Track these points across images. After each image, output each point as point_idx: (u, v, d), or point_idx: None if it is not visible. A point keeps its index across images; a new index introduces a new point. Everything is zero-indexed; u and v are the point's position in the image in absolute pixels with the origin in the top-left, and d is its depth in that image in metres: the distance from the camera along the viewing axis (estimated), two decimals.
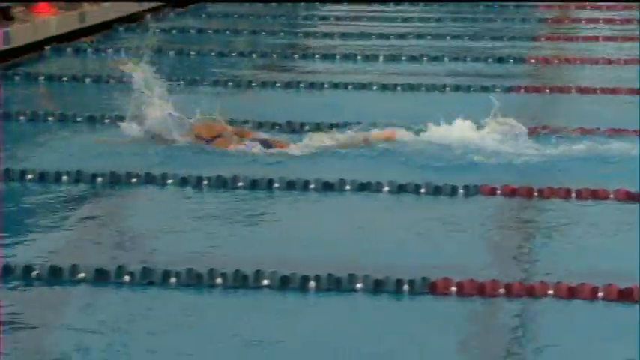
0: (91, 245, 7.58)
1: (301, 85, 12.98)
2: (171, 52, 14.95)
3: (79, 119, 10.94)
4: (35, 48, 14.50)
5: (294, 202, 8.61)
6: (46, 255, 7.16)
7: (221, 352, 5.83)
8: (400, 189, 8.76)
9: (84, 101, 11.86)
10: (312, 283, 6.66)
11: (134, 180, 8.84)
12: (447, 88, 12.90)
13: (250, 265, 6.79)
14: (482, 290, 6.57)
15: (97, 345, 5.88)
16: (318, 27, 18.03)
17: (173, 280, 6.71)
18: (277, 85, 13.01)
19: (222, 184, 8.79)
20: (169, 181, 8.81)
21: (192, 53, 15.02)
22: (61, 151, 9.95)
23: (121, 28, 16.68)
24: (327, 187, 8.74)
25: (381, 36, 16.77)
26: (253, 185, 8.77)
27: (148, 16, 17.24)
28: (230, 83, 13.09)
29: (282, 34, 17.34)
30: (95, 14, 16.34)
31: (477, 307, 6.48)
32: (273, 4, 20.06)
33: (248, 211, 8.42)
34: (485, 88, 12.69)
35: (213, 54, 15.03)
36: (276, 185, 8.76)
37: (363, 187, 8.78)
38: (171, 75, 13.26)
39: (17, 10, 14.76)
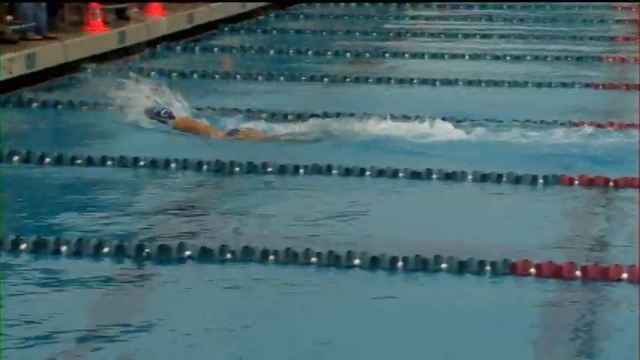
0: (195, 226, 7.65)
1: (392, 80, 12.98)
2: (272, 51, 15.03)
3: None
4: (148, 46, 14.65)
5: (384, 189, 8.61)
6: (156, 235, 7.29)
7: (314, 326, 5.87)
8: (484, 178, 8.74)
9: (191, 95, 11.92)
10: (400, 264, 6.68)
11: (237, 169, 8.90)
12: (529, 84, 12.84)
13: (343, 246, 6.82)
14: (559, 272, 6.53)
15: (204, 316, 5.97)
16: (408, 27, 17.99)
17: (272, 257, 6.77)
18: (370, 80, 13.03)
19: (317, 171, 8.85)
20: (269, 169, 8.86)
21: (290, 52, 15.07)
22: (171, 140, 10.03)
23: (225, 28, 16.80)
24: (415, 175, 8.74)
25: (466, 36, 16.74)
26: (347, 172, 8.81)
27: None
28: (325, 79, 13.12)
29: (374, 33, 17.34)
30: (202, 15, 16.45)
31: (554, 288, 6.44)
32: (366, 4, 20.09)
33: (339, 196, 8.45)
34: (564, 85, 12.62)
35: (310, 52, 15.06)
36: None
37: (448, 177, 8.76)
38: (272, 71, 13.40)
39: (132, 11, 14.91)
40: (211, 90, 12.38)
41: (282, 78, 13.09)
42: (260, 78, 13.10)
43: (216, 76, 13.12)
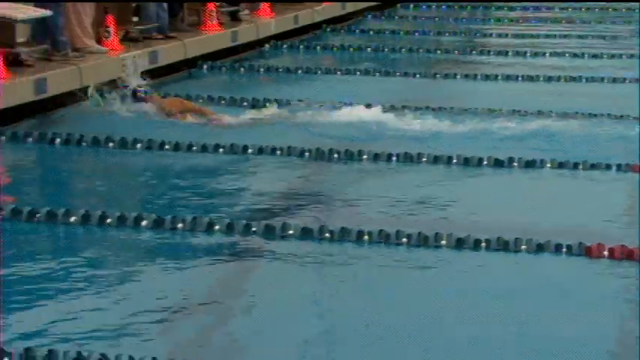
0: (297, 208, 7.67)
1: (478, 77, 12.89)
2: (369, 50, 15.01)
3: (290, 101, 11.06)
4: (256, 45, 14.72)
5: (469, 176, 8.55)
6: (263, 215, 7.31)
7: (404, 301, 5.84)
8: (561, 166, 8.63)
9: (295, 89, 11.96)
10: (483, 244, 6.60)
11: (335, 156, 8.90)
12: (605, 81, 12.66)
13: (431, 228, 6.78)
14: (631, 255, 6.43)
15: (302, 290, 5.97)
16: (493, 28, 17.83)
17: (366, 238, 6.73)
18: (457, 77, 12.95)
19: (409, 159, 8.81)
20: (364, 157, 8.84)
21: (386, 50, 15.03)
22: (273, 130, 10.06)
23: (327, 29, 16.80)
24: (497, 163, 8.65)
25: (547, 35, 16.56)
26: (435, 160, 8.76)
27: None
28: (417, 75, 13.05)
29: (462, 34, 17.22)
30: (306, 17, 16.48)
31: (626, 270, 6.32)
32: (455, 7, 19.98)
33: (428, 182, 8.40)
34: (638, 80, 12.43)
35: (403, 50, 15.00)
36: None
37: (529, 165, 8.66)
38: (368, 68, 13.37)
39: (244, 13, 14.99)
40: (313, 85, 12.37)
41: (377, 74, 13.06)
42: (358, 74, 13.08)
43: (319, 72, 13.13)
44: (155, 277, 6.17)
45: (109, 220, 6.90)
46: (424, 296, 5.93)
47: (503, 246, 6.58)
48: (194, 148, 8.98)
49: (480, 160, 8.69)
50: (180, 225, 6.86)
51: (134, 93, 10.32)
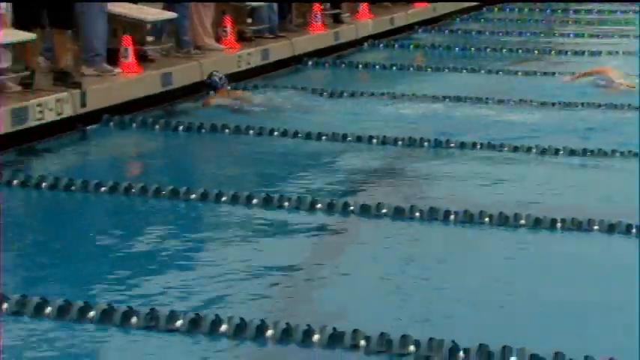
0: (391, 189, 7.66)
1: (555, 74, 12.67)
2: (456, 49, 14.88)
3: (384, 95, 11.02)
4: (356, 44, 14.70)
5: (546, 164, 8.42)
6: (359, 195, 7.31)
7: (489, 275, 5.80)
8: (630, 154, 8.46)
9: (389, 84, 11.92)
10: (558, 224, 6.51)
11: (425, 144, 8.86)
12: None
13: (512, 209, 6.70)
14: None
15: (391, 265, 5.97)
16: (570, 29, 17.53)
17: (486, 220, 6.62)
18: (537, 74, 12.75)
19: (491, 147, 8.73)
20: (452, 145, 8.78)
21: (472, 49, 14.87)
22: (367, 117, 10.03)
23: (419, 29, 16.70)
24: (572, 153, 8.50)
25: (621, 36, 16.21)
26: (515, 149, 8.64)
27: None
28: (500, 72, 12.90)
29: (542, 34, 16.98)
30: (401, 18, 16.43)
31: None
32: (536, 10, 19.72)
33: (508, 168, 8.31)
34: None
35: (488, 49, 14.83)
36: (534, 150, 8.54)
37: (602, 154, 8.52)
38: (456, 65, 13.26)
39: (345, 15, 15.00)
40: (406, 79, 12.31)
41: (464, 71, 12.93)
42: (446, 70, 12.98)
43: (411, 69, 13.07)
44: (263, 249, 6.21)
45: (224, 198, 6.97)
46: (500, 271, 5.88)
47: (577, 225, 6.48)
48: (299, 135, 9.01)
49: (557, 150, 8.55)
50: (286, 203, 6.89)
51: (210, 83, 10.35)
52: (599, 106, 10.41)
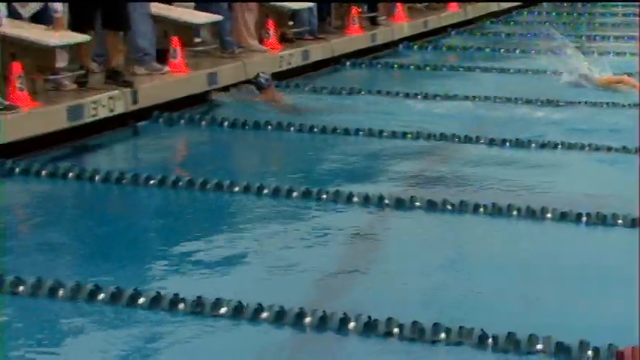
0: (423, 183, 7.62)
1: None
2: (487, 49, 14.77)
3: (418, 94, 10.96)
4: (391, 46, 14.65)
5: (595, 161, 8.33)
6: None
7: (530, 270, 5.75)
8: None
9: (423, 83, 11.85)
10: (583, 219, 6.43)
11: (456, 140, 8.78)
12: None
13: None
14: None
15: (433, 257, 5.93)
16: (596, 31, 17.34)
17: (514, 212, 6.57)
18: (562, 73, 12.61)
19: (520, 144, 8.65)
20: (481, 141, 8.71)
21: (502, 50, 14.75)
22: (396, 115, 9.95)
23: (452, 32, 16.60)
24: (597, 148, 8.40)
25: None
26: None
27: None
28: (529, 72, 12.74)
29: (570, 35, 16.79)
30: (434, 21, 16.35)
31: None
32: (564, 13, 19.55)
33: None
34: None
35: (517, 51, 14.70)
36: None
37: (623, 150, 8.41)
38: (487, 65, 13.16)
39: (382, 18, 14.95)
40: (439, 79, 12.24)
41: (494, 71, 12.84)
42: (477, 71, 12.88)
43: (444, 69, 12.99)
44: (303, 240, 6.19)
45: (265, 191, 6.96)
46: (529, 262, 5.82)
47: (602, 220, 6.41)
48: (338, 131, 8.98)
49: (582, 145, 8.47)
50: (324, 196, 6.88)
51: (256, 83, 10.34)
52: (624, 106, 10.28)
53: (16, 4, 8.41)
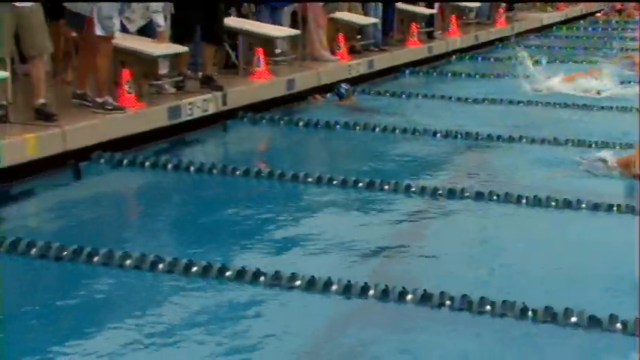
0: (471, 176, 7.54)
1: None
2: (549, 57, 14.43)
3: (469, 99, 10.84)
4: (446, 56, 14.52)
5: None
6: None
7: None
8: None
9: (473, 89, 11.71)
10: (615, 209, 6.32)
11: (500, 140, 8.70)
12: None
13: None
14: None
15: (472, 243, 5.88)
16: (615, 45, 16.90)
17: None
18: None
19: (557, 143, 8.50)
20: (523, 140, 8.59)
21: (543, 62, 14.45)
22: (450, 116, 9.84)
23: (499, 45, 16.32)
24: (626, 146, 8.21)
25: None
26: (578, 143, 8.40)
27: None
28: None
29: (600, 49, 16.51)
30: (484, 35, 16.17)
31: None
32: (599, 29, 19.14)
33: None
34: None
35: (557, 61, 14.42)
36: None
37: None
38: (529, 73, 12.94)
39: (437, 33, 14.83)
40: (487, 85, 12.08)
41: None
42: (520, 78, 12.63)
43: (492, 77, 12.80)
44: (368, 224, 6.19)
45: (335, 182, 6.95)
46: (567, 247, 5.75)
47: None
48: (397, 131, 8.93)
49: (614, 144, 8.26)
50: (386, 187, 6.86)
51: (338, 92, 10.36)
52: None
53: (123, 20, 8.53)
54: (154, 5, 8.66)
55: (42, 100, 7.31)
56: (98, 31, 7.63)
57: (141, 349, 4.17)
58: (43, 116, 7.24)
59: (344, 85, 10.43)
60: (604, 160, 7.34)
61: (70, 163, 7.14)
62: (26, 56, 7.50)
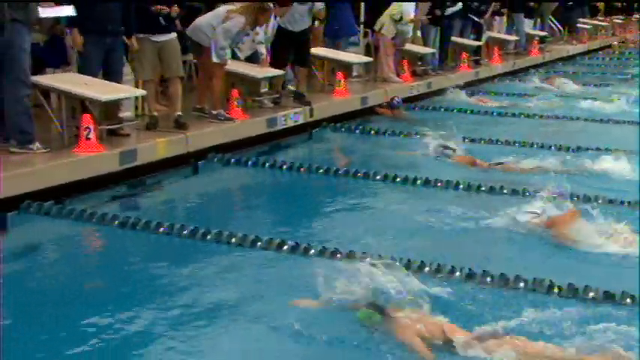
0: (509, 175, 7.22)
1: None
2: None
3: (507, 113, 10.47)
4: (489, 79, 14.12)
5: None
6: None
7: None
8: None
9: (508, 105, 11.34)
10: (626, 204, 5.96)
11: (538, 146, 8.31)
12: None
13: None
14: None
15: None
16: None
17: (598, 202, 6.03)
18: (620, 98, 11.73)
19: (585, 149, 8.06)
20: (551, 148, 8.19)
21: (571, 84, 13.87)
22: (491, 126, 9.46)
23: (533, 71, 15.72)
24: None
25: None
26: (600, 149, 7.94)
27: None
28: (594, 98, 11.94)
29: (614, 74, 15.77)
30: (521, 62, 15.70)
31: None
32: (615, 59, 18.31)
33: None
34: None
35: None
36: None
37: None
38: (560, 93, 12.49)
39: (483, 61, 14.48)
40: (521, 103, 11.67)
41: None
42: (552, 97, 12.17)
43: (526, 96, 12.33)
44: (424, 210, 5.92)
45: (397, 179, 6.79)
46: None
47: (628, 204, 5.91)
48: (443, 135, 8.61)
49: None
50: (439, 184, 6.64)
51: (392, 103, 10.13)
52: None
53: (235, 49, 8.58)
54: (258, 38, 8.69)
55: (179, 113, 7.42)
56: (214, 59, 7.70)
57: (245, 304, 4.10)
58: (179, 125, 7.31)
59: (397, 99, 10.22)
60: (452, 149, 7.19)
61: (190, 161, 7.19)
62: (165, 78, 7.62)
